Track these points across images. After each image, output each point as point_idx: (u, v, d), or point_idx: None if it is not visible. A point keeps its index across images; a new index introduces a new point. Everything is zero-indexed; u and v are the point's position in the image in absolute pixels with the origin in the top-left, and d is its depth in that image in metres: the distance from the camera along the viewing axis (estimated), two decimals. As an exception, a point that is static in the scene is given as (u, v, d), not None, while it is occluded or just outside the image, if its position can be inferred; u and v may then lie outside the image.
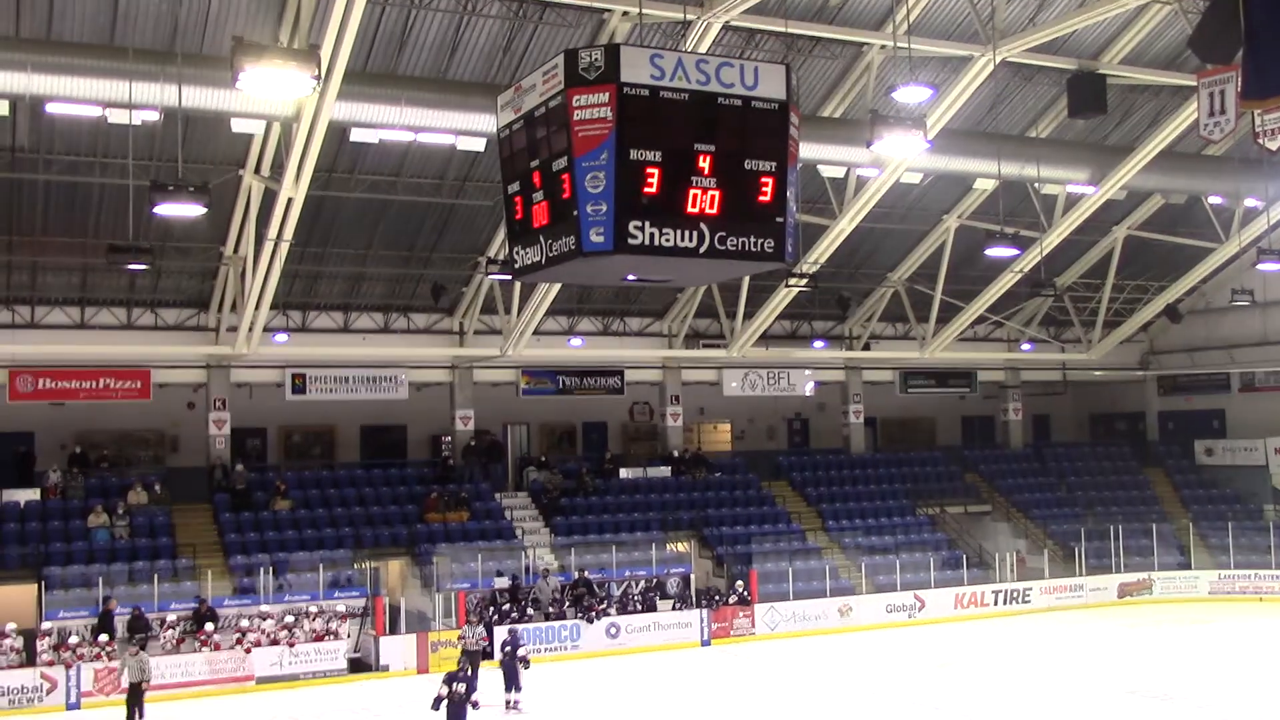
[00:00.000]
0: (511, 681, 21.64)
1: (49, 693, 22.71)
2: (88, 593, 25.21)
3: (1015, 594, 32.80)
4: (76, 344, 28.28)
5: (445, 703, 18.21)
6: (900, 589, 31.55)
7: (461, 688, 18.41)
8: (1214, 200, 33.79)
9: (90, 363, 28.85)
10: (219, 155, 24.92)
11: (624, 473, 34.40)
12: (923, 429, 43.00)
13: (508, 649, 22.04)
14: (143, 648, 22.34)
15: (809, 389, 37.64)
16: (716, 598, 29.69)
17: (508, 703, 21.54)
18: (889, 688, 23.25)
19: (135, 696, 20.72)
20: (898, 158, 26.08)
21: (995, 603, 32.42)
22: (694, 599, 29.56)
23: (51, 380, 28.60)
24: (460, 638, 24.35)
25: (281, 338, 29.98)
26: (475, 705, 19.13)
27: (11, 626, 23.49)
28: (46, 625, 24.08)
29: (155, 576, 25.82)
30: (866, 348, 37.14)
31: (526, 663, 21.95)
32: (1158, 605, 33.42)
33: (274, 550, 27.84)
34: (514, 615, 27.00)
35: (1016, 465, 40.08)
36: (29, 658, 23.26)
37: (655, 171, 10.26)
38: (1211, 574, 34.48)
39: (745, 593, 29.72)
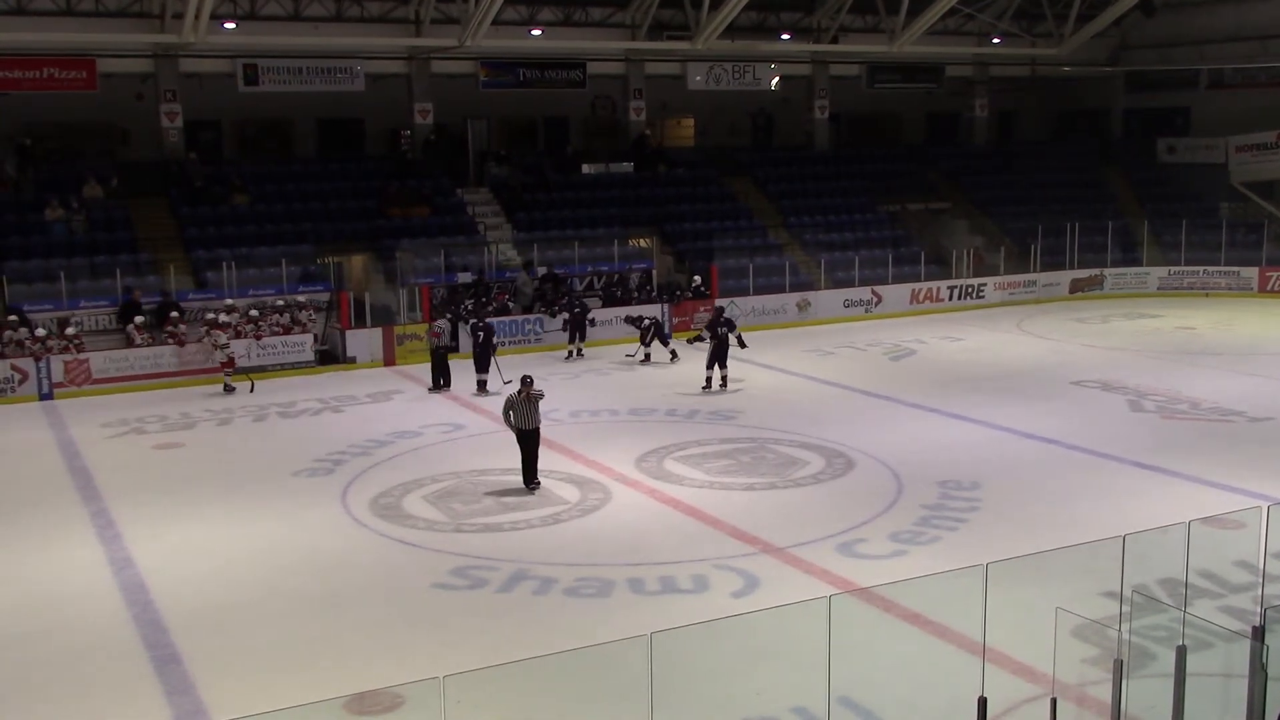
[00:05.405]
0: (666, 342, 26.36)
1: (20, 384, 23.10)
2: (50, 286, 25.27)
3: (970, 289, 33.49)
4: (15, 30, 27.08)
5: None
6: (858, 284, 32.13)
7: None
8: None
9: (31, 50, 27.76)
10: None
11: (586, 168, 34.13)
12: (887, 126, 42.62)
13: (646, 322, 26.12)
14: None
15: (774, 83, 36.93)
16: (678, 292, 30.16)
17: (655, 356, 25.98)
18: (843, 367, 24.07)
19: None
20: None
21: (950, 298, 33.14)
22: (655, 293, 30.01)
23: (-8, 68, 27.63)
24: (428, 334, 24.71)
25: (229, 25, 28.81)
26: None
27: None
28: (12, 319, 24.20)
29: (118, 270, 25.84)
30: (834, 41, 36.23)
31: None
32: (1108, 300, 34.33)
33: (234, 245, 27.74)
34: (491, 307, 27.57)
35: (979, 163, 40.04)
36: (-2, 351, 23.52)
37: None
38: (1162, 270, 35.23)
39: (705, 287, 30.17)
